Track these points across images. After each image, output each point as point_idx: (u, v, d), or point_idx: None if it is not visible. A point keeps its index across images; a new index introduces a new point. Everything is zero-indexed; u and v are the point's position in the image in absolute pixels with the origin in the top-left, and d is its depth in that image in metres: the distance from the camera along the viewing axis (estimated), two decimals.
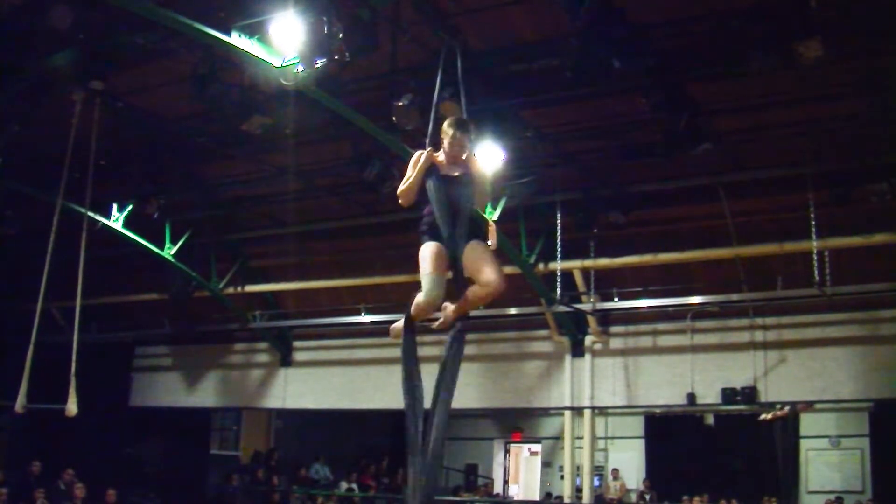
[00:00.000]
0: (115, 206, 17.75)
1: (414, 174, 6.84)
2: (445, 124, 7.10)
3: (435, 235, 6.78)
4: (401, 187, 6.93)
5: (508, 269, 16.56)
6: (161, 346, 24.39)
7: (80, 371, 12.84)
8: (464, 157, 7.04)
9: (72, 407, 12.62)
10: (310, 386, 22.12)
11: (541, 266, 17.28)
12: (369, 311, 20.18)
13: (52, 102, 13.97)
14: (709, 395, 17.72)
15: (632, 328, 18.70)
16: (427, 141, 7.31)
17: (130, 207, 17.65)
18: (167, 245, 19.09)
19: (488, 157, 13.00)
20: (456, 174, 6.94)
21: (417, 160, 6.91)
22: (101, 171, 14.19)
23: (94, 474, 18.83)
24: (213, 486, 23.13)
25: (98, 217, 16.81)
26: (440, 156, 7.01)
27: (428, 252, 6.73)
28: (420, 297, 6.71)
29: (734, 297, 16.91)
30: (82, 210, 14.13)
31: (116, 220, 17.79)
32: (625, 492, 23.13)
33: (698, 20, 11.49)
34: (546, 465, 26.19)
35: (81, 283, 13.39)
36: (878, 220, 14.82)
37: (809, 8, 10.54)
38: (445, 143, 7.02)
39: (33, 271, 13.67)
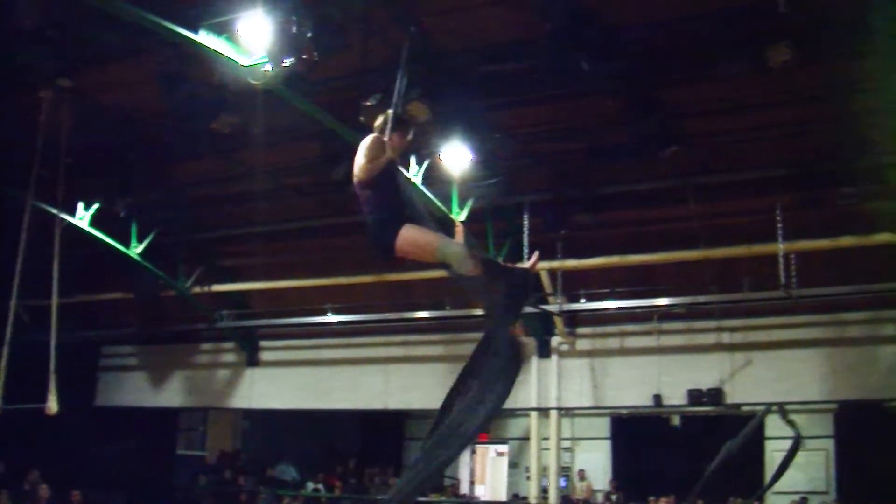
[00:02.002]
0: (81, 205, 17.59)
1: (379, 159, 6.62)
2: (380, 121, 6.99)
3: (402, 220, 6.44)
4: (365, 164, 6.66)
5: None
6: (127, 346, 24.26)
7: (46, 371, 12.73)
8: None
9: (52, 405, 12.51)
10: (277, 386, 22.06)
11: None
12: (336, 312, 20.14)
13: (19, 100, 13.84)
14: (675, 397, 17.83)
15: (599, 329, 18.79)
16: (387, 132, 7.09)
17: (97, 206, 17.51)
18: (134, 244, 18.92)
19: (457, 157, 13.02)
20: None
21: (377, 145, 6.71)
22: (68, 169, 14.06)
23: (60, 475, 18.66)
24: (179, 487, 22.99)
25: (64, 215, 16.65)
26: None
27: (417, 229, 6.39)
28: (457, 248, 6.33)
29: (701, 298, 17.00)
30: (51, 209, 14.01)
31: (82, 219, 17.63)
32: (591, 493, 23.13)
33: (668, 24, 11.54)
34: (513, 465, 26.13)
35: (57, 281, 13.29)
36: (844, 224, 14.95)
37: (779, 13, 10.61)
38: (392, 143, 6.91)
39: None
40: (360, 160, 6.70)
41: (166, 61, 12.47)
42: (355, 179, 6.76)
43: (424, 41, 10.13)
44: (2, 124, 14.44)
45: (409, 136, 7.07)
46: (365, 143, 6.73)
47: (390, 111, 6.90)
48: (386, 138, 6.73)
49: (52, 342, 12.87)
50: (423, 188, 14.33)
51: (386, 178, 6.65)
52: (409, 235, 6.38)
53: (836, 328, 16.88)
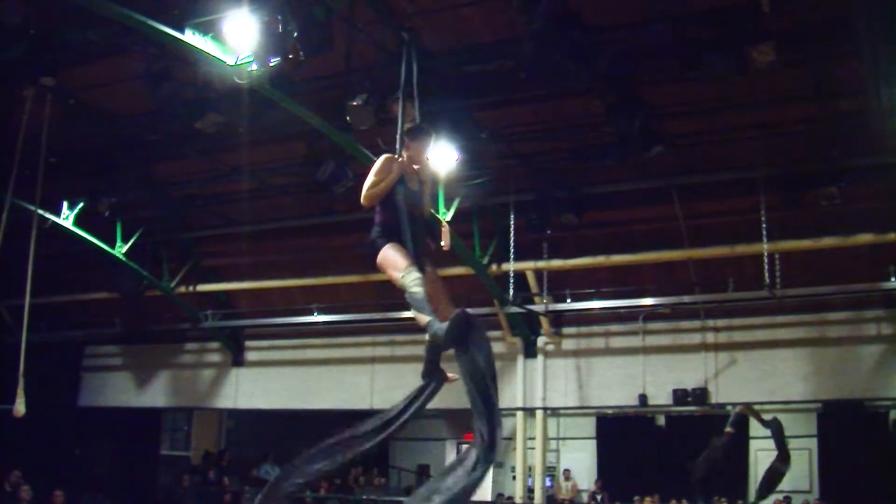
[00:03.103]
0: (65, 204, 17.52)
1: (385, 181, 6.67)
2: (405, 134, 7.06)
3: (392, 239, 6.63)
4: (368, 190, 6.70)
5: (461, 270, 16.63)
6: (111, 346, 24.15)
7: (28, 371, 12.66)
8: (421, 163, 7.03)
9: (20, 407, 12.43)
10: (261, 386, 22.01)
11: (494, 267, 17.30)
12: (322, 311, 20.11)
13: (1, 98, 13.78)
14: (660, 397, 17.86)
15: (584, 329, 18.81)
16: (397, 148, 7.19)
17: (81, 205, 17.43)
18: (118, 244, 18.86)
19: (443, 157, 13.00)
20: (415, 180, 6.91)
21: (386, 166, 6.76)
22: (52, 169, 13.99)
23: (42, 476, 18.54)
24: (163, 487, 22.91)
25: (48, 215, 16.58)
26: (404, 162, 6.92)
27: (394, 251, 6.56)
28: (416, 289, 6.55)
29: (686, 298, 17.03)
30: (32, 208, 13.93)
31: (67, 218, 17.56)
32: (576, 492, 23.16)
33: (653, 24, 11.55)
34: (498, 465, 26.17)
35: (31, 281, 13.21)
36: (828, 224, 15.01)
37: (762, 13, 10.64)
38: (406, 153, 6.97)
39: None
40: (366, 185, 6.74)
41: (151, 60, 12.43)
42: (362, 202, 6.78)
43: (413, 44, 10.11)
44: None
45: (429, 146, 7.12)
46: (374, 166, 6.77)
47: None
48: (397, 156, 6.82)
49: (23, 343, 12.79)
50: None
51: (389, 198, 6.69)
52: (386, 255, 6.59)
53: (819, 328, 16.94)
